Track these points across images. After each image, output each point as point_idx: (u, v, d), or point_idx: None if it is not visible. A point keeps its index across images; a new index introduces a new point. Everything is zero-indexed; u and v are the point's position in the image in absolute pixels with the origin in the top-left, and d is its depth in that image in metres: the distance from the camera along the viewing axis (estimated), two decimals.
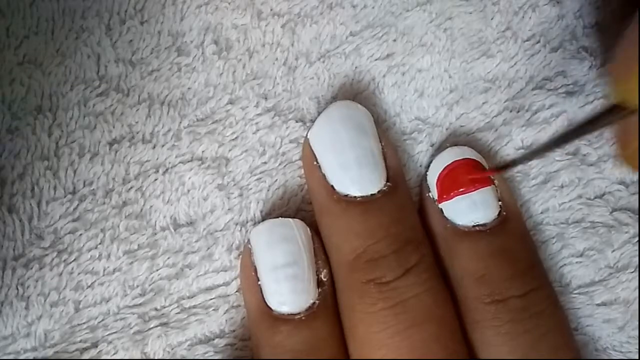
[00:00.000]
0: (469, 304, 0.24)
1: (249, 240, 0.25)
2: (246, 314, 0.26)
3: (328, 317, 0.24)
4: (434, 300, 0.24)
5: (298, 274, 0.24)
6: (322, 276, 0.25)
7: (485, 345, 0.24)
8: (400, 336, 0.23)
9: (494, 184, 0.25)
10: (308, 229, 0.25)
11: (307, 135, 0.26)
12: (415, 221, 0.25)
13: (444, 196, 0.25)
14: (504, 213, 0.25)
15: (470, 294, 0.24)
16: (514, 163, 0.25)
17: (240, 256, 0.26)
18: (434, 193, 0.26)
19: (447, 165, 0.26)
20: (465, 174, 0.25)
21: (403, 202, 0.25)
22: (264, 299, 0.24)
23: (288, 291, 0.24)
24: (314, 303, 0.24)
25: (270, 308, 0.24)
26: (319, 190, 0.25)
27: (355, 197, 0.24)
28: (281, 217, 0.25)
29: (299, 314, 0.24)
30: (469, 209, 0.25)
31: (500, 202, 0.25)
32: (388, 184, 0.25)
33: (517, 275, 0.24)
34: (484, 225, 0.25)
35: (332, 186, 0.25)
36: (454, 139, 0.27)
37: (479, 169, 0.25)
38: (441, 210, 0.25)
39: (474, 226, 0.25)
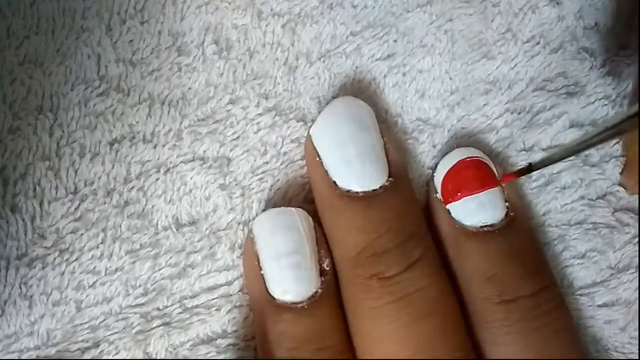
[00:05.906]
0: (478, 305, 0.24)
1: (251, 229, 0.25)
2: (250, 302, 0.26)
3: (331, 307, 0.24)
4: (438, 293, 0.24)
5: (301, 263, 0.24)
6: (324, 265, 0.25)
7: (494, 346, 0.24)
8: (406, 329, 0.23)
9: (500, 185, 0.25)
10: (310, 218, 0.25)
11: (309, 131, 0.26)
12: (419, 216, 0.25)
13: (451, 197, 0.25)
14: (512, 213, 0.25)
15: (479, 294, 0.24)
16: (529, 169, 0.24)
17: (243, 246, 0.26)
18: (440, 194, 0.26)
19: (453, 166, 0.25)
20: (471, 174, 0.25)
21: (406, 197, 0.25)
22: (266, 287, 0.24)
23: (291, 279, 0.24)
24: (316, 292, 0.24)
25: (273, 297, 0.24)
26: (321, 186, 0.25)
27: (357, 192, 0.24)
28: None
29: (301, 302, 0.24)
30: (477, 210, 0.25)
31: (507, 203, 0.25)
32: (390, 179, 0.24)
33: (527, 275, 0.24)
34: (491, 225, 0.25)
35: (334, 182, 0.24)
36: (456, 141, 0.27)
37: (485, 169, 0.25)
38: (449, 211, 0.25)
39: (482, 227, 0.25)
